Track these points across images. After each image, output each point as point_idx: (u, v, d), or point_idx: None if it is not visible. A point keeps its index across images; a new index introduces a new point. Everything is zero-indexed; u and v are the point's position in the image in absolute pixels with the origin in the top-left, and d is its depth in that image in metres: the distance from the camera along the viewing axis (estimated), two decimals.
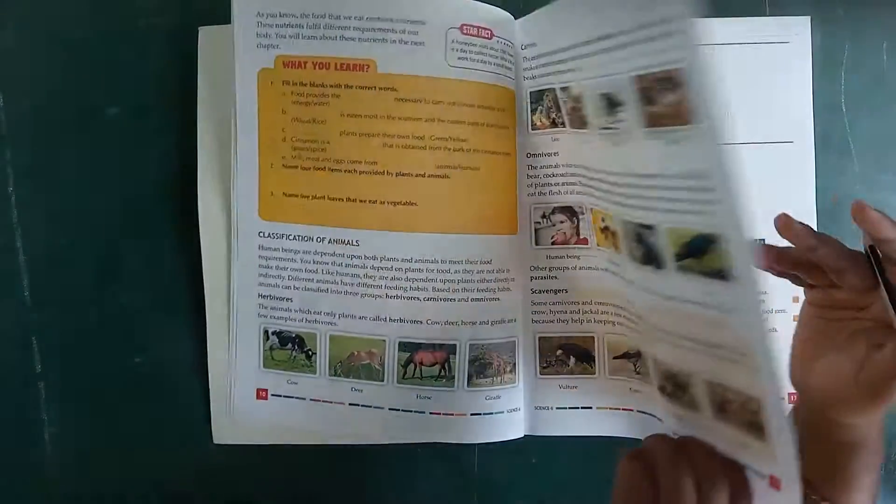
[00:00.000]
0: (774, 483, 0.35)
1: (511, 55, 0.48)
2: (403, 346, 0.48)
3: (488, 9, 0.47)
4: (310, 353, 0.49)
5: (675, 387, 0.40)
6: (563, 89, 0.45)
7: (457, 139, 0.46)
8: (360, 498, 0.51)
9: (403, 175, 0.46)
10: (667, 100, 0.36)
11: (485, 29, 0.46)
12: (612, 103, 0.40)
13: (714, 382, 0.37)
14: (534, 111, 0.49)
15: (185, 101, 0.50)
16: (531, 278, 0.49)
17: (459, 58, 0.46)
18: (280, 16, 0.46)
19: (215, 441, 0.50)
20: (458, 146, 0.46)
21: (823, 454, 0.40)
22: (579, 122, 0.44)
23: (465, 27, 0.46)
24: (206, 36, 0.49)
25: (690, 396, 0.39)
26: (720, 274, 0.34)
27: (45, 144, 0.50)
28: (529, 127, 0.49)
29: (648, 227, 0.39)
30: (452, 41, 0.46)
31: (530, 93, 0.49)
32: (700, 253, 0.36)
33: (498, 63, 0.47)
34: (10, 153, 0.50)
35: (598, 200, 0.45)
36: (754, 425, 0.35)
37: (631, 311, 0.45)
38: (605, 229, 0.45)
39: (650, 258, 0.39)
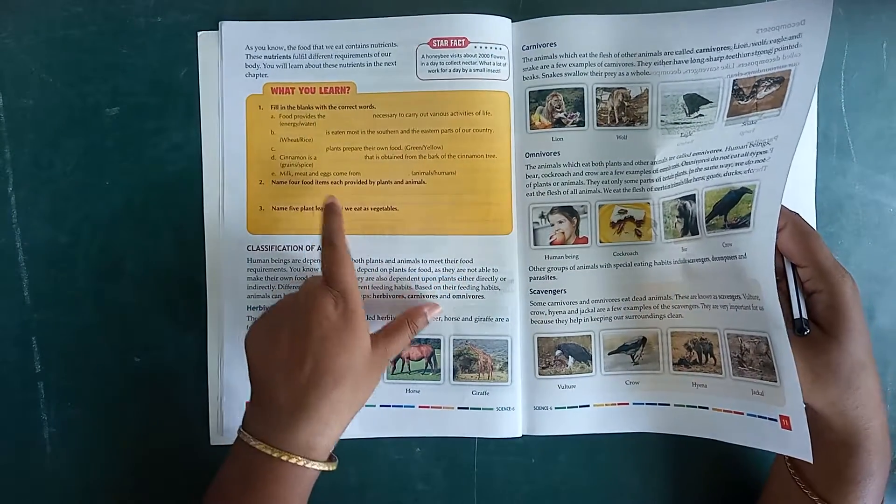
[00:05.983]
0: (786, 424, 0.42)
1: (500, 57, 0.48)
2: None
3: (466, 18, 0.48)
4: None
5: (701, 353, 0.47)
6: (605, 89, 0.48)
7: (431, 147, 0.49)
8: (359, 498, 0.50)
9: (384, 183, 0.49)
10: (764, 94, 0.45)
11: (457, 39, 0.48)
12: (696, 102, 0.47)
13: (734, 334, 0.45)
14: (532, 111, 0.49)
15: (185, 101, 0.50)
16: (529, 279, 0.49)
17: (430, 70, 0.49)
18: (268, 48, 0.49)
19: (212, 443, 0.50)
20: (433, 153, 0.49)
21: (824, 457, 0.40)
22: (612, 119, 0.48)
23: (434, 41, 0.48)
24: (205, 41, 0.50)
25: (713, 359, 0.46)
26: (743, 222, 0.43)
27: (45, 144, 0.50)
28: (528, 127, 0.49)
29: (691, 197, 0.46)
30: (422, 56, 0.49)
31: (529, 92, 0.49)
32: (728, 208, 0.45)
33: (477, 69, 0.48)
34: (10, 153, 0.50)
35: (617, 194, 0.48)
36: (767, 367, 0.42)
37: (637, 299, 0.48)
38: (619, 222, 0.48)
39: (688, 228, 0.46)
